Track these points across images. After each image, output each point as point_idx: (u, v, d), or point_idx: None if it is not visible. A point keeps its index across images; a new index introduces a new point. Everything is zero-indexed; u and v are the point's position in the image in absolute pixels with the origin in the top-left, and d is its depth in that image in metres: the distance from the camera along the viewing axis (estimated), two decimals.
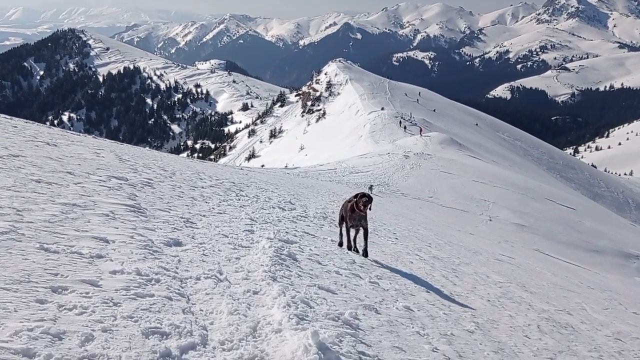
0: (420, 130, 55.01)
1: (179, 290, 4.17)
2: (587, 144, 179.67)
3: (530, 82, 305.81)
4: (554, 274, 14.73)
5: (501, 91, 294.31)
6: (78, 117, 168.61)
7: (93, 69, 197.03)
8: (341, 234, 8.55)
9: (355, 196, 8.00)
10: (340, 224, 8.48)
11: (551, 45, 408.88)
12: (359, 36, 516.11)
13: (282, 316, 4.11)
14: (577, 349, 6.37)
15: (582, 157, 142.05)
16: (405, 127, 60.46)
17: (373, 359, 3.94)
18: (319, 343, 3.61)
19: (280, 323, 4.00)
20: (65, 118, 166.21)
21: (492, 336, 5.74)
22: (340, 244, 8.50)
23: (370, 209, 7.85)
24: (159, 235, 5.53)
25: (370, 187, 27.02)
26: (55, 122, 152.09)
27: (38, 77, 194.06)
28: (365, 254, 7.92)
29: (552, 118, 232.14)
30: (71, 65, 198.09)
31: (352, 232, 8.29)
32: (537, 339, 6.29)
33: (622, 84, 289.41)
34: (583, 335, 7.30)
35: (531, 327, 6.76)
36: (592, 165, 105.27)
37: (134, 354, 2.89)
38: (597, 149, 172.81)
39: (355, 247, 8.35)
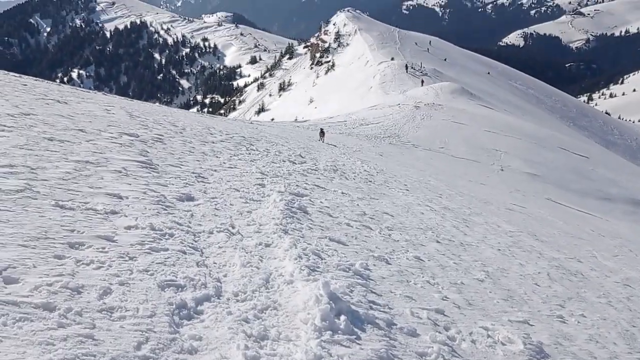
0: (422, 82, 54.16)
1: (192, 244, 4.25)
2: (601, 91, 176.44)
3: (544, 28, 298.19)
4: (565, 223, 14.76)
5: (514, 38, 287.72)
6: (87, 74, 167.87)
7: (100, 25, 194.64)
8: None
9: None
10: None
11: None
12: None
13: (293, 268, 4.19)
14: (586, 295, 6.45)
15: (596, 105, 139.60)
16: (407, 68, 59.99)
17: (383, 307, 4.03)
18: (330, 293, 3.69)
19: (292, 274, 4.08)
20: (74, 75, 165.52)
21: (501, 284, 5.82)
22: None
23: None
24: (171, 190, 5.59)
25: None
26: (65, 79, 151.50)
27: (45, 34, 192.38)
28: None
29: (566, 65, 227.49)
30: (77, 21, 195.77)
31: None
32: (547, 286, 6.36)
33: (638, 29, 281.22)
34: (592, 282, 7.38)
35: (541, 275, 6.84)
36: (606, 113, 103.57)
37: (151, 306, 2.98)
38: (611, 95, 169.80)
39: None
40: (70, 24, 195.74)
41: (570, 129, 59.06)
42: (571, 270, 7.69)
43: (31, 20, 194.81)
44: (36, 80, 12.45)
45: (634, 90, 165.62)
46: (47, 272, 3.01)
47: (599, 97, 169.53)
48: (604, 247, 11.79)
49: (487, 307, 4.90)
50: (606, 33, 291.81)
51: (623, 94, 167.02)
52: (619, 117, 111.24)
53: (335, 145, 18.32)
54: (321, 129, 21.72)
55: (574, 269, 7.85)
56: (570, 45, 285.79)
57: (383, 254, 5.56)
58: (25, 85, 10.45)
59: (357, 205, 8.03)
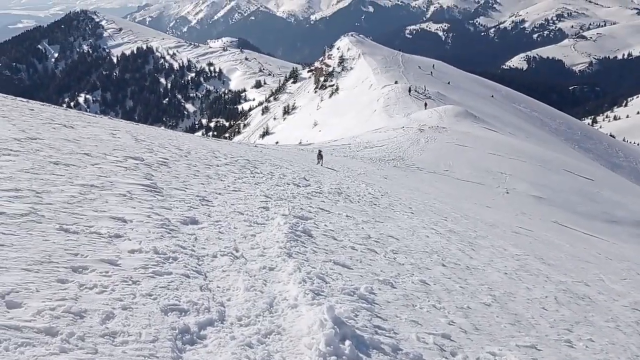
0: (425, 105, 54.49)
1: (196, 267, 4.23)
2: (605, 114, 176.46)
3: (546, 51, 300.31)
4: (572, 246, 14.65)
5: (517, 62, 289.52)
6: (94, 99, 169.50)
7: (107, 50, 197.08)
8: None
9: None
10: None
11: (568, 13, 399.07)
12: (371, 9, 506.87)
13: (297, 292, 4.16)
14: (594, 320, 6.36)
15: (600, 127, 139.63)
16: (410, 92, 60.72)
17: (389, 332, 3.98)
18: (334, 318, 3.65)
19: (296, 298, 4.04)
20: (81, 100, 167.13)
21: (508, 308, 5.76)
22: None
23: None
24: (176, 214, 5.59)
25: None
26: (72, 104, 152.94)
27: (52, 60, 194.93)
28: None
29: (570, 88, 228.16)
30: (85, 47, 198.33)
31: None
32: (554, 310, 6.29)
33: None
34: (600, 306, 7.29)
35: (548, 299, 6.76)
36: (611, 135, 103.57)
37: (154, 331, 2.96)
38: (615, 118, 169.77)
39: None
40: (78, 49, 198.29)
41: (575, 152, 59.03)
42: (579, 294, 7.60)
43: (39, 46, 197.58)
44: (43, 105, 12.58)
45: (638, 113, 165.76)
46: (50, 296, 3.00)
47: (603, 120, 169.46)
48: (611, 270, 11.68)
49: (494, 332, 4.83)
50: (609, 56, 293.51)
51: (627, 117, 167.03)
52: (624, 140, 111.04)
53: (335, 170, 18.21)
54: (319, 151, 20.98)
55: (582, 293, 7.77)
56: (574, 68, 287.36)
57: (388, 277, 5.52)
58: (32, 110, 10.55)
59: (362, 228, 8.00)
